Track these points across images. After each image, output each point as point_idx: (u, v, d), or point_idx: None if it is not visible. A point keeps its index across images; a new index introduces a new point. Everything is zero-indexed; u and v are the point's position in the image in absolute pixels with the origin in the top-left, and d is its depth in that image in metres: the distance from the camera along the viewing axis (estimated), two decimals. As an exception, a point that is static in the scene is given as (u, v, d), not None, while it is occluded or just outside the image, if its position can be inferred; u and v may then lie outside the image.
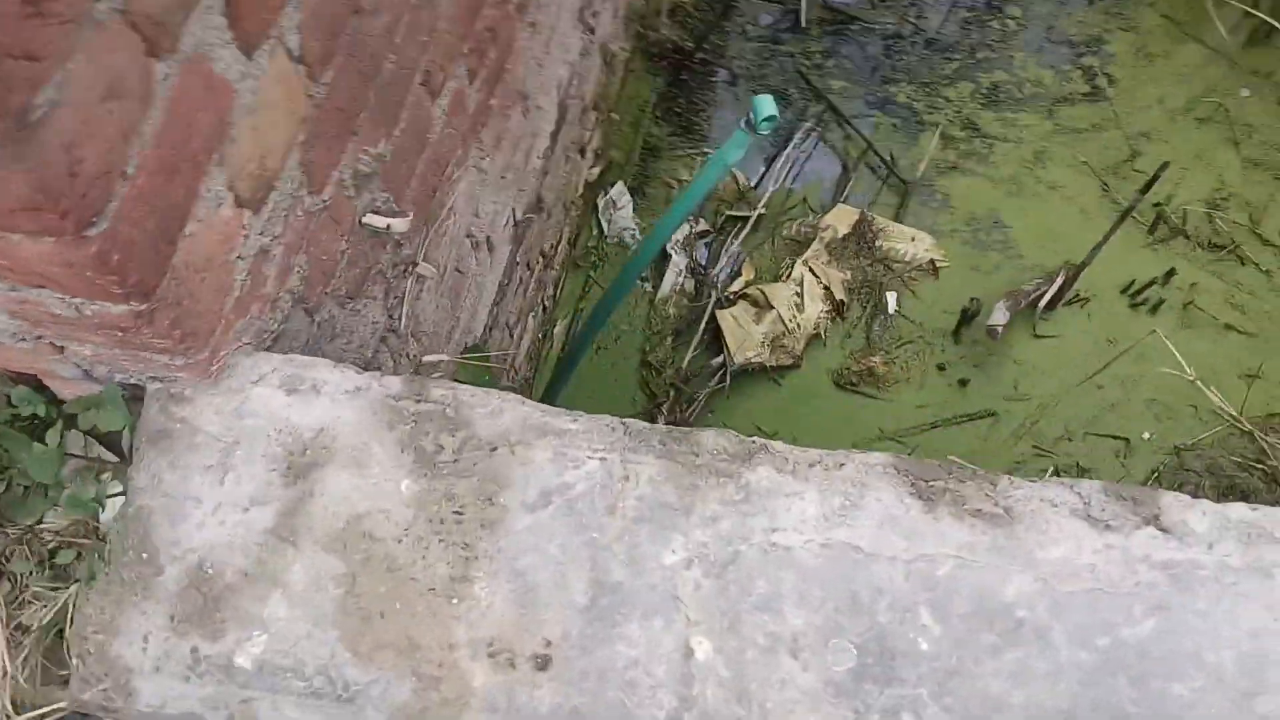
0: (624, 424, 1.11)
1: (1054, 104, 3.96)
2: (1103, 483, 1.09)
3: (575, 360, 2.26)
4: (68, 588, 1.29)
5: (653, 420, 3.30)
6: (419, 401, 1.11)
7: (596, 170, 3.54)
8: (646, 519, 1.05)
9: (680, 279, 3.53)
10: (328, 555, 1.03)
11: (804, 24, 4.13)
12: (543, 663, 1.00)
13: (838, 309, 3.45)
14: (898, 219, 3.66)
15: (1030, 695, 0.99)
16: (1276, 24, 3.79)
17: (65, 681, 1.27)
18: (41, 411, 1.25)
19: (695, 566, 1.04)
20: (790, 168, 3.80)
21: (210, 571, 1.02)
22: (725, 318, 3.38)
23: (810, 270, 3.47)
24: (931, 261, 3.56)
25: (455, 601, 1.02)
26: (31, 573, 1.30)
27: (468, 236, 2.01)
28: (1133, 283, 3.54)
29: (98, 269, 0.87)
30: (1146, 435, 3.35)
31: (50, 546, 1.32)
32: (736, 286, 3.49)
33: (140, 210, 0.89)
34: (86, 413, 1.23)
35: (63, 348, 1.09)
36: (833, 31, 4.16)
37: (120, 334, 1.00)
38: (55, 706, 1.14)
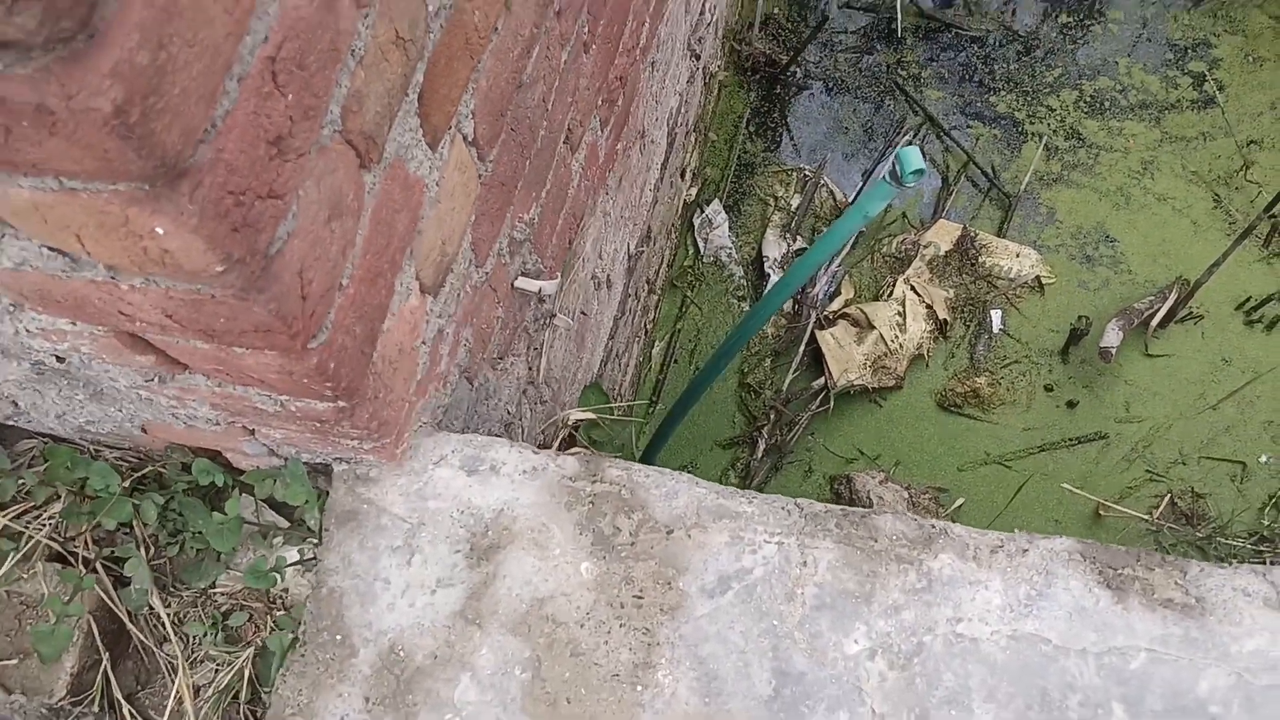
0: (798, 505, 1.11)
1: (1161, 111, 3.84)
2: (1299, 572, 1.05)
3: (689, 405, 2.27)
4: (243, 651, 1.34)
5: (754, 443, 3.30)
6: (594, 482, 1.13)
7: (694, 190, 3.54)
8: (827, 606, 1.05)
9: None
10: (513, 638, 1.05)
11: (898, 33, 4.07)
12: (731, 753, 1.00)
13: (941, 328, 3.40)
14: (1001, 234, 3.60)
15: (1231, 797, 0.97)
16: (1405, 27, 3.62)
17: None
18: (219, 481, 1.30)
19: (879, 657, 1.03)
20: (888, 183, 3.74)
21: (402, 654, 1.05)
22: (825, 338, 3.35)
23: (912, 288, 3.42)
24: (1037, 278, 3.49)
25: (639, 689, 1.03)
26: (205, 634, 1.35)
27: (592, 279, 2.02)
28: (1248, 299, 3.43)
29: (314, 377, 0.89)
30: (1264, 459, 3.24)
31: (224, 609, 1.37)
32: (836, 306, 3.46)
33: (351, 317, 0.92)
34: (263, 483, 1.27)
35: (253, 431, 1.13)
36: (927, 40, 4.09)
37: (320, 425, 1.03)
38: None
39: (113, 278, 0.76)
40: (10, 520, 1.26)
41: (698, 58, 2.81)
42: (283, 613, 1.28)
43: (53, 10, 0.50)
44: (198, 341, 0.86)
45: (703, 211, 3.65)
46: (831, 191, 3.71)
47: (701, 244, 3.62)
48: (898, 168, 1.45)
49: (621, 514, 1.10)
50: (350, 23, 0.79)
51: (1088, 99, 3.89)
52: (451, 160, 1.09)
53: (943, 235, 3.56)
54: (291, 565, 1.26)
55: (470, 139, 1.13)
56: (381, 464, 1.13)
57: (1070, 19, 4.09)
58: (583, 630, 1.05)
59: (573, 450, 1.17)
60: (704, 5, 2.73)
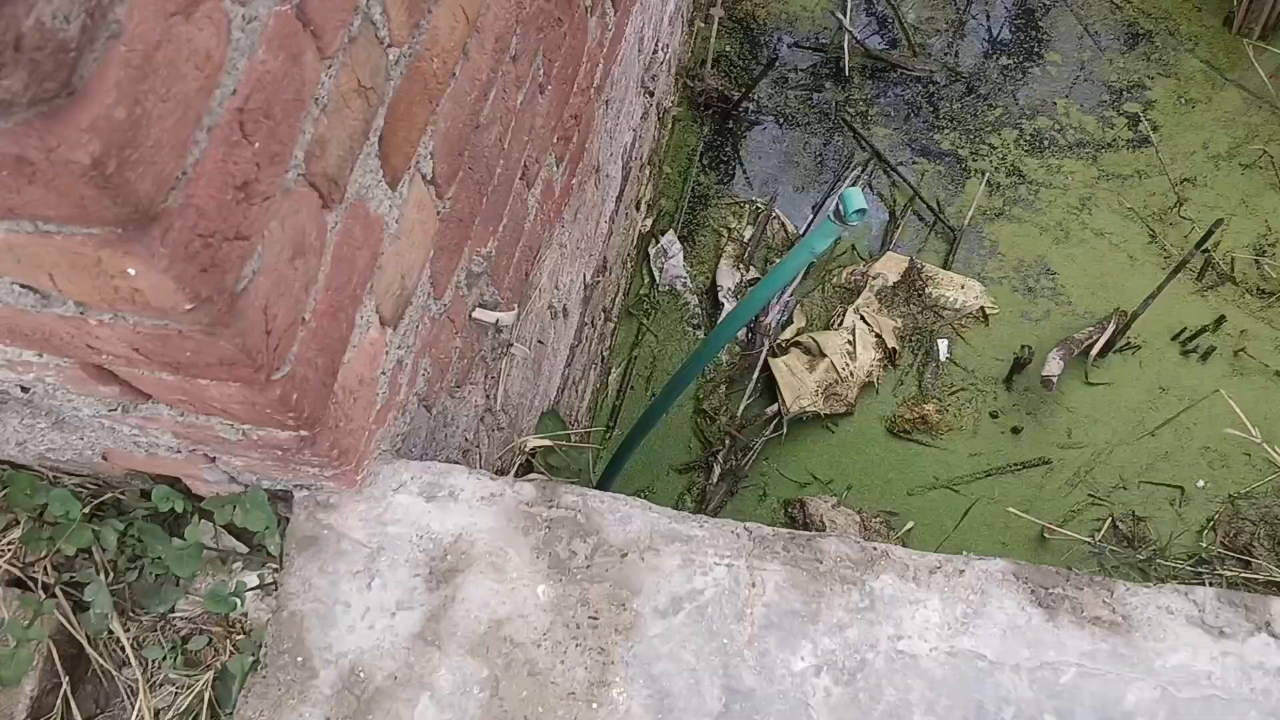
0: (748, 529, 1.16)
1: (1098, 150, 3.99)
2: (1215, 589, 1.12)
3: (644, 433, 2.31)
4: (202, 674, 1.35)
5: (709, 468, 3.35)
6: (551, 507, 1.16)
7: (649, 221, 3.60)
8: (775, 625, 1.10)
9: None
10: (472, 659, 1.08)
11: (845, 72, 4.19)
12: (682, 769, 1.04)
13: (890, 356, 3.49)
14: (946, 266, 3.70)
15: (1154, 802, 1.02)
16: (1323, 70, 3.82)
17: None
18: (179, 507, 1.31)
19: (825, 674, 1.08)
20: (838, 215, 3.84)
21: (362, 675, 1.08)
22: (779, 366, 3.42)
23: (862, 318, 3.51)
24: (982, 309, 3.59)
25: (595, 706, 1.06)
26: (165, 658, 1.36)
27: (549, 309, 2.07)
28: (1183, 329, 3.56)
29: (277, 407, 0.92)
30: (1201, 484, 3.35)
31: (183, 633, 1.37)
32: (788, 335, 3.53)
33: (313, 350, 0.95)
34: (223, 509, 1.29)
35: (215, 459, 1.15)
36: (874, 79, 4.21)
37: (281, 453, 1.06)
38: None
39: (81, 313, 0.78)
40: (-35, 551, 1.27)
41: (651, 94, 2.88)
42: (242, 636, 1.29)
43: (37, 74, 0.53)
44: (163, 374, 0.89)
45: (658, 241, 3.72)
46: (783, 223, 3.80)
47: (657, 273, 3.68)
48: (841, 207, 1.52)
49: (577, 538, 1.14)
50: (314, 73, 0.83)
51: (1028, 137, 4.03)
52: (411, 199, 1.13)
53: (890, 267, 3.65)
54: (251, 590, 1.28)
55: (429, 178, 1.18)
56: (342, 490, 1.16)
57: (1010, 61, 4.25)
58: (540, 650, 1.09)
59: (530, 476, 1.21)
60: (656, 45, 2.81)
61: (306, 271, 0.90)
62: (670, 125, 3.85)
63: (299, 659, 1.09)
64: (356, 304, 1.03)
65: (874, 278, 3.62)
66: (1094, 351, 3.45)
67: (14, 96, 0.52)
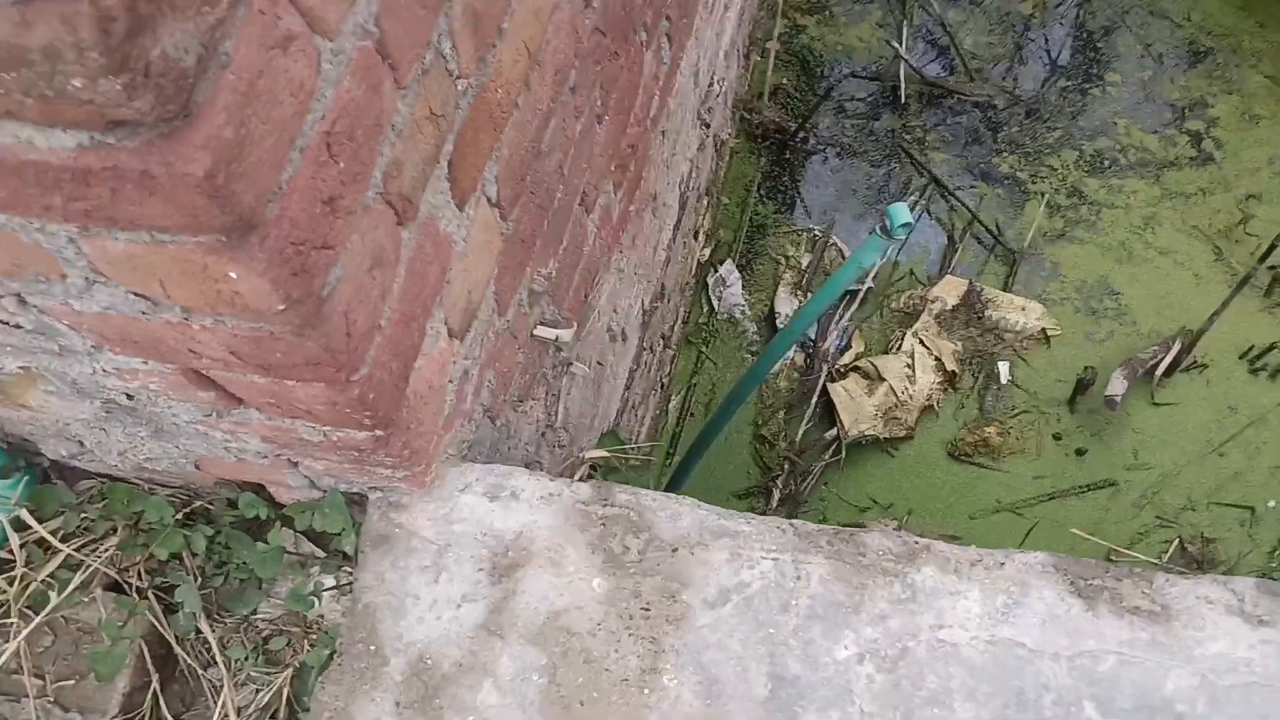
0: (793, 525, 1.21)
1: (1160, 169, 3.97)
2: (1255, 579, 1.14)
3: (702, 450, 2.37)
4: (281, 672, 1.44)
5: (768, 493, 3.39)
6: (605, 506, 1.24)
7: (707, 250, 3.69)
8: (819, 616, 1.15)
9: (791, 353, 3.62)
10: (531, 647, 1.15)
11: (903, 99, 4.24)
12: (731, 751, 1.09)
13: (950, 380, 3.50)
14: (1006, 288, 3.71)
15: (1196, 789, 1.04)
16: (1392, 84, 3.75)
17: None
18: (263, 514, 1.42)
19: (867, 661, 1.12)
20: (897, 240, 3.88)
21: (430, 663, 1.16)
22: (837, 390, 3.45)
23: (921, 341, 3.53)
24: (1043, 330, 3.59)
25: (647, 692, 1.13)
26: (247, 658, 1.45)
27: (608, 331, 2.15)
28: (1251, 348, 3.50)
29: (355, 407, 1.02)
30: (1272, 503, 3.29)
31: (264, 634, 1.47)
32: (847, 359, 3.57)
33: (388, 354, 1.04)
34: (302, 515, 1.39)
35: (297, 463, 1.25)
36: (931, 105, 4.25)
37: (357, 454, 1.15)
38: None
39: (186, 319, 0.89)
40: (72, 551, 1.38)
41: (707, 126, 2.97)
42: (319, 635, 1.38)
43: (161, 97, 0.63)
44: (255, 376, 0.99)
45: (716, 270, 3.79)
46: (841, 250, 3.85)
47: (715, 301, 3.75)
48: (887, 222, 1.58)
49: (630, 534, 1.21)
50: (392, 101, 0.93)
51: (1088, 158, 4.03)
52: (477, 220, 1.23)
53: (949, 290, 3.67)
54: (328, 590, 1.37)
55: (494, 201, 1.27)
56: (412, 492, 1.25)
57: (1069, 83, 4.25)
58: (595, 639, 1.15)
59: (585, 478, 1.29)
60: (713, 78, 2.90)
61: (383, 282, 0.99)
62: (728, 157, 3.94)
63: (372, 648, 1.17)
64: (427, 315, 1.13)
65: (932, 301, 3.64)
66: (1159, 371, 3.41)
67: (142, 116, 0.62)
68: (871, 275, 3.71)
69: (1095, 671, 1.10)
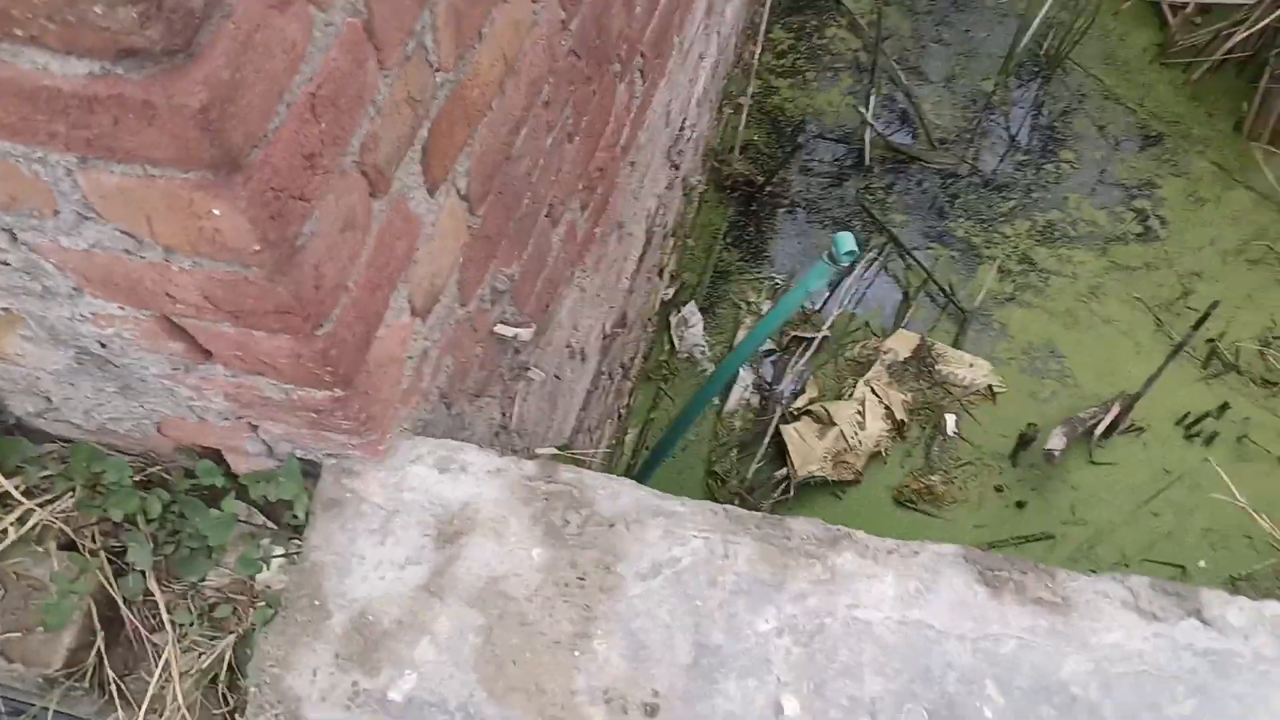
0: (725, 509, 1.29)
1: (1107, 242, 4.15)
2: (1149, 578, 1.23)
3: (651, 471, 2.44)
4: (225, 638, 1.48)
5: (718, 529, 3.45)
6: (549, 482, 1.30)
7: (671, 290, 3.79)
8: (744, 591, 1.22)
9: (746, 394, 3.72)
10: (469, 609, 1.21)
11: (867, 162, 4.42)
12: (651, 710, 1.15)
13: (898, 429, 3.60)
14: (956, 345, 3.84)
15: (1084, 765, 1.12)
16: (1323, 174, 3.97)
17: (223, 718, 1.45)
18: (219, 483, 1.47)
19: (786, 635, 1.19)
20: (854, 294, 4.01)
21: (371, 619, 1.21)
22: (789, 432, 3.54)
23: (872, 390, 3.64)
24: (989, 387, 3.71)
25: (577, 654, 1.18)
26: (192, 623, 1.49)
27: (567, 346, 2.23)
28: (1187, 414, 3.65)
29: (318, 361, 1.09)
30: (1202, 564, 3.40)
31: (211, 602, 1.51)
32: (801, 403, 3.66)
33: (352, 316, 1.12)
34: (257, 485, 1.44)
35: (257, 426, 1.31)
36: (894, 170, 4.44)
37: (315, 415, 1.21)
38: None
39: (167, 259, 0.96)
40: (32, 505, 1.42)
41: (677, 168, 3.10)
42: (266, 596, 1.43)
43: (169, 30, 0.72)
44: (225, 325, 1.05)
45: (679, 311, 3.90)
46: (800, 300, 3.97)
47: (677, 340, 3.85)
48: (834, 249, 1.68)
49: (571, 509, 1.28)
50: (374, 78, 1.02)
51: (1040, 228, 4.21)
52: (446, 208, 1.31)
53: (902, 344, 3.80)
54: (277, 558, 1.42)
55: (463, 194, 1.36)
56: (365, 460, 1.31)
57: (1027, 158, 4.45)
58: (531, 605, 1.21)
59: (532, 456, 1.35)
60: (684, 123, 3.04)
61: (353, 245, 1.07)
62: (696, 202, 4.08)
63: (315, 602, 1.22)
64: (392, 288, 1.20)
65: (885, 352, 3.77)
66: (1098, 431, 3.54)
67: (151, 45, 0.70)
68: (826, 326, 3.84)
69: (997, 653, 1.18)
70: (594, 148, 1.97)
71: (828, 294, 4.01)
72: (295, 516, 1.39)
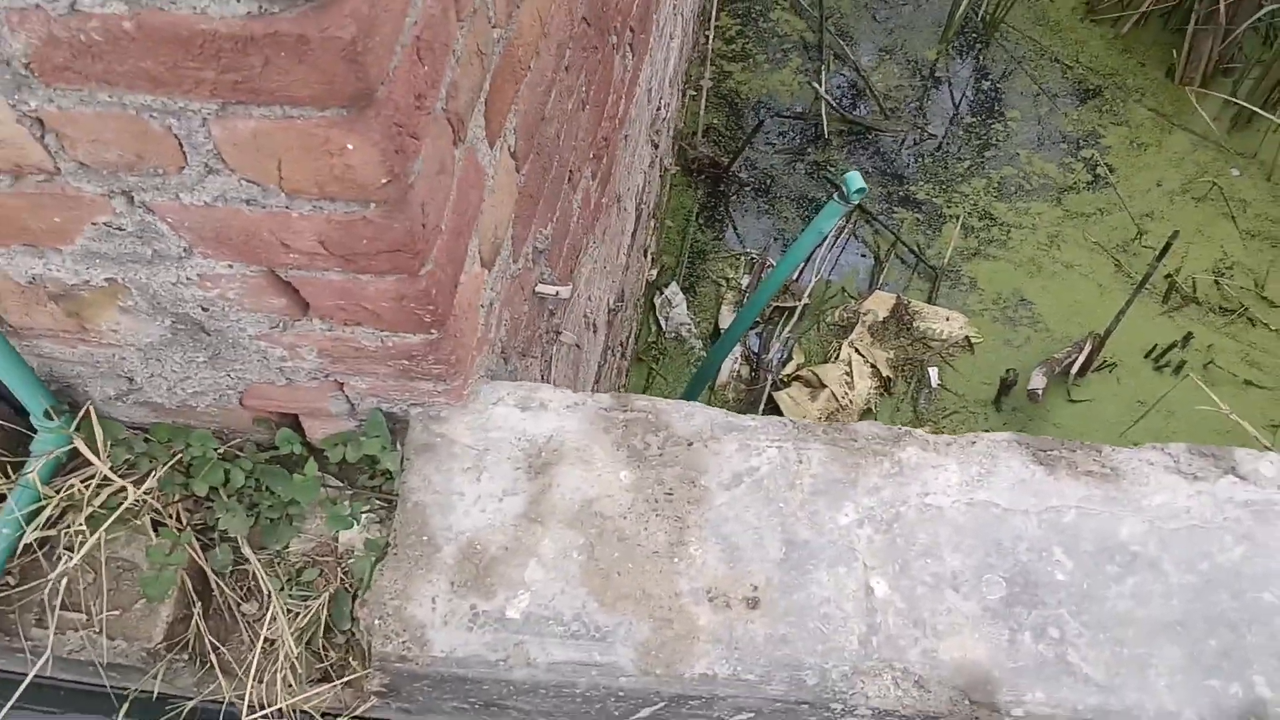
0: (792, 421, 1.38)
1: (1061, 192, 4.34)
2: (1186, 444, 1.34)
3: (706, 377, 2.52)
4: (316, 598, 1.53)
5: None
6: (625, 411, 1.38)
7: (654, 272, 3.88)
8: (822, 491, 1.31)
9: (736, 366, 3.82)
10: (569, 531, 1.28)
11: (825, 135, 4.56)
12: (753, 603, 1.23)
13: (885, 385, 3.74)
14: (931, 301, 3.99)
15: (1150, 611, 1.22)
16: (1255, 109, 4.20)
17: (320, 676, 1.50)
18: (296, 450, 1.52)
19: (866, 525, 1.29)
20: (827, 263, 4.14)
21: (478, 548, 1.27)
22: (782, 398, 3.65)
23: (856, 350, 3.77)
24: (967, 338, 3.86)
25: (676, 560, 1.26)
26: (282, 589, 1.54)
27: (584, 316, 2.31)
28: (1154, 347, 3.83)
29: (420, 301, 1.15)
30: (1185, 486, 3.58)
31: (297, 566, 1.56)
32: (790, 370, 3.78)
33: (445, 258, 1.19)
34: (335, 448, 1.50)
35: (343, 384, 1.37)
36: (851, 141, 4.58)
37: (407, 363, 1.28)
38: (362, 673, 1.37)
39: (288, 206, 1.02)
40: (126, 482, 1.46)
41: (656, 147, 3.19)
42: (355, 558, 1.48)
43: (325, -31, 0.79)
44: (334, 272, 1.12)
45: (662, 293, 3.99)
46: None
47: (663, 322, 3.94)
48: (844, 188, 1.78)
49: (650, 433, 1.36)
50: (454, 29, 1.10)
51: (995, 185, 4.38)
52: (501, 163, 1.39)
53: (879, 304, 3.93)
54: (365, 513, 1.48)
55: (512, 151, 1.43)
56: (449, 406, 1.38)
57: (974, 119, 4.63)
58: (625, 521, 1.29)
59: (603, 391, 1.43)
60: (660, 102, 3.13)
61: (444, 188, 1.14)
62: (669, 185, 4.18)
63: (424, 538, 1.29)
64: (469, 236, 1.27)
65: (865, 314, 3.90)
66: (1074, 371, 3.71)
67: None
68: (806, 294, 3.96)
69: (1060, 523, 1.28)
70: (600, 117, 2.06)
71: (803, 265, 4.14)
72: (381, 468, 1.45)
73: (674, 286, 4.01)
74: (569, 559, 1.27)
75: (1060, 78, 4.74)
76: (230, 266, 1.14)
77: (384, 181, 0.97)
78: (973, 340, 3.87)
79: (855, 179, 1.75)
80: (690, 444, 1.35)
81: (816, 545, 1.27)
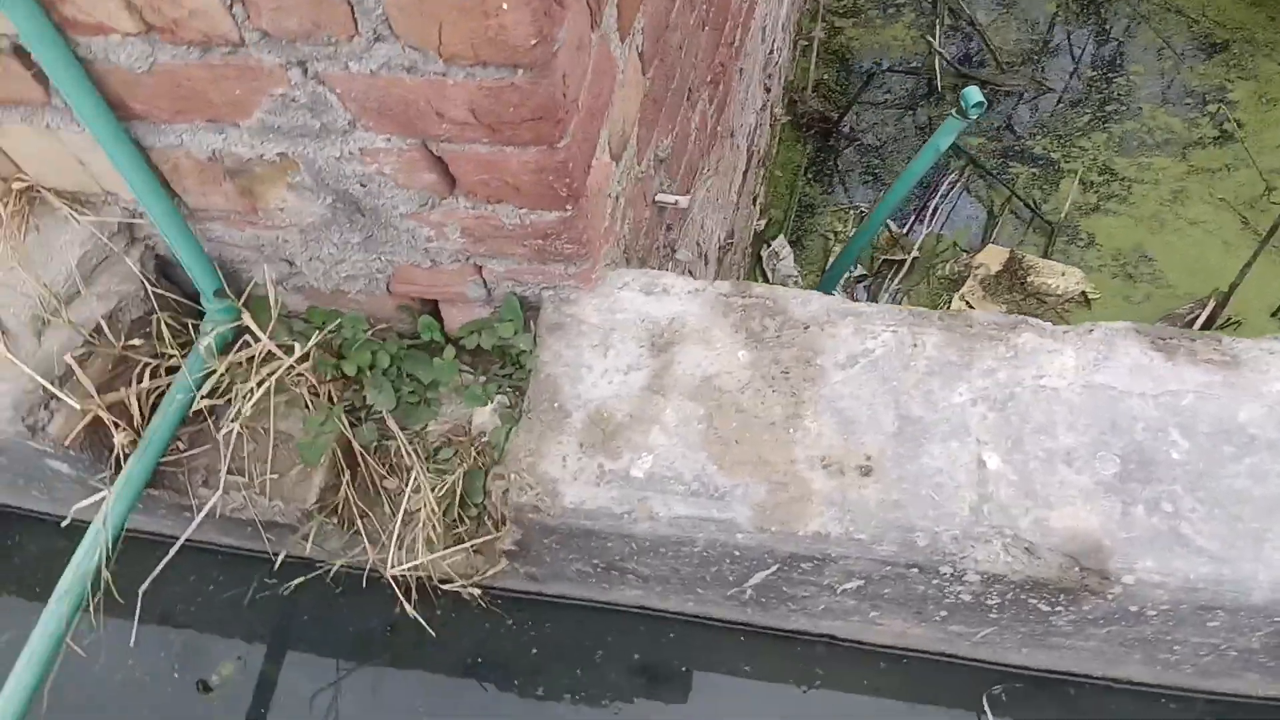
0: (909, 310, 1.42)
1: (1185, 148, 4.20)
2: (1310, 334, 1.33)
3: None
4: (452, 473, 1.64)
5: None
6: (744, 297, 1.45)
7: (762, 223, 3.92)
8: (936, 373, 1.35)
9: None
10: (690, 402, 1.36)
11: (939, 90, 4.50)
12: (866, 471, 1.29)
13: (995, 337, 3.69)
14: (1046, 256, 3.92)
15: (1268, 490, 1.23)
16: (1404, 58, 3.97)
17: (455, 543, 1.61)
18: (436, 337, 1.63)
19: (980, 404, 1.32)
20: (939, 216, 4.11)
21: (605, 415, 1.36)
22: (889, 348, 3.65)
23: (968, 304, 3.73)
24: (1083, 293, 3.79)
25: (791, 431, 1.32)
26: (420, 466, 1.66)
27: (698, 244, 2.37)
28: (1282, 304, 3.69)
29: (558, 174, 1.24)
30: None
31: (434, 445, 1.68)
32: (897, 321, 3.77)
33: (580, 135, 1.27)
34: (471, 336, 1.61)
35: (482, 267, 1.47)
36: (966, 97, 4.51)
37: (542, 243, 1.37)
38: (495, 535, 1.48)
39: (444, 74, 1.11)
40: (287, 357, 1.59)
41: (768, 91, 3.23)
42: (484, 439, 1.59)
43: None
44: (481, 144, 1.21)
45: (769, 245, 4.02)
46: (887, 225, 4.07)
47: (770, 273, 3.98)
48: (961, 104, 1.80)
49: (767, 317, 1.42)
50: (597, -88, 1.17)
51: (1117, 140, 4.26)
52: (630, 60, 1.46)
53: (992, 258, 3.88)
54: (498, 395, 1.58)
55: (640, 52, 1.51)
56: (578, 289, 1.47)
57: (1095, 73, 4.51)
58: (743, 395, 1.36)
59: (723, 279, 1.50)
60: (773, 46, 3.17)
61: (582, 64, 1.22)
62: (778, 137, 4.20)
63: (555, 405, 1.38)
64: (601, 120, 1.35)
65: (977, 268, 3.86)
66: (1196, 327, 3.60)
67: None
68: (915, 248, 3.93)
69: (1177, 405, 1.29)
70: (718, 41, 2.11)
71: (913, 218, 4.11)
72: (514, 354, 1.55)
73: (781, 239, 4.04)
74: (689, 427, 1.34)
75: (1185, 32, 4.57)
76: (389, 140, 1.24)
77: (533, 43, 1.05)
78: (1090, 296, 3.79)
79: (973, 93, 1.76)
80: (807, 327, 1.41)
81: (929, 421, 1.32)
